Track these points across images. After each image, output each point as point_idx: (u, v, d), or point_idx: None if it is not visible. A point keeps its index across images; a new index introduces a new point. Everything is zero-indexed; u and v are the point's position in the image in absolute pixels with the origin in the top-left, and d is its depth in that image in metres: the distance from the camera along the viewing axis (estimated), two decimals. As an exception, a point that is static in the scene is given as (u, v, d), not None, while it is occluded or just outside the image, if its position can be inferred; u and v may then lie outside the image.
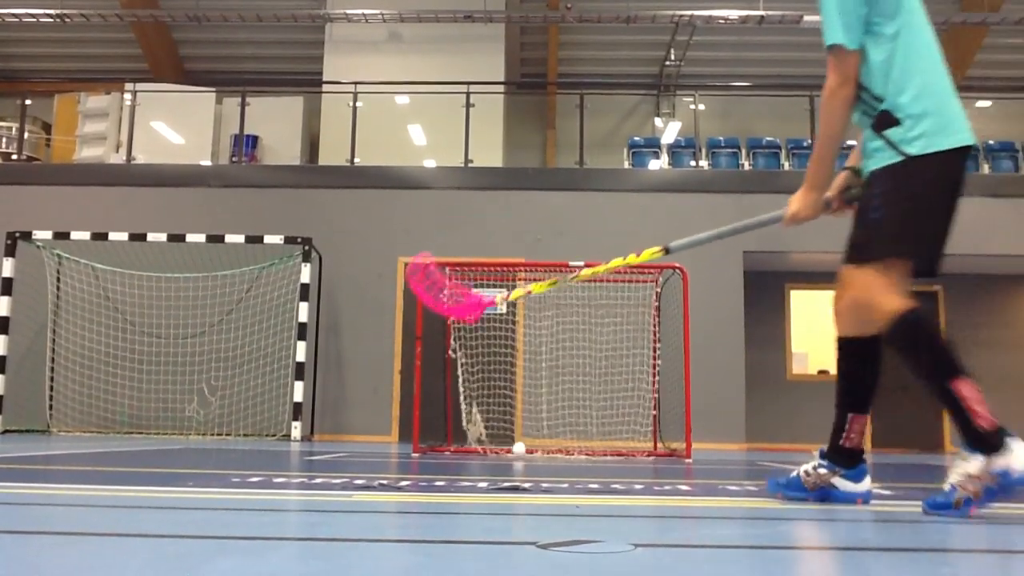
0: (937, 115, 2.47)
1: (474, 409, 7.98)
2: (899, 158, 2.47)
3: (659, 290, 8.15)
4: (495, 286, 9.93)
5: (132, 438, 8.90)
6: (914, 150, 2.45)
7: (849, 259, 2.59)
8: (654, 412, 8.15)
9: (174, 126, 12.85)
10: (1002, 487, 2.31)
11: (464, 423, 7.72)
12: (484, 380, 8.81)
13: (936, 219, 2.49)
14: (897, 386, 12.68)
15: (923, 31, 2.59)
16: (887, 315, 2.47)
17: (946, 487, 2.43)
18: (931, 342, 2.42)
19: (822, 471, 2.77)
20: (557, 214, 10.63)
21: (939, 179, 2.47)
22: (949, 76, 2.57)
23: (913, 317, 2.44)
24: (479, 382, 8.76)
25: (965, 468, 2.37)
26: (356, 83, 11.76)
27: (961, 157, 2.48)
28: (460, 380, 7.71)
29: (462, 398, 7.78)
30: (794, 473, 2.86)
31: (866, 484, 2.78)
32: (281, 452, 6.41)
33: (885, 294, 2.47)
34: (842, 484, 2.76)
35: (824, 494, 2.77)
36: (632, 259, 2.84)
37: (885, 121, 2.51)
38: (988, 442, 2.32)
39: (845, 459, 2.74)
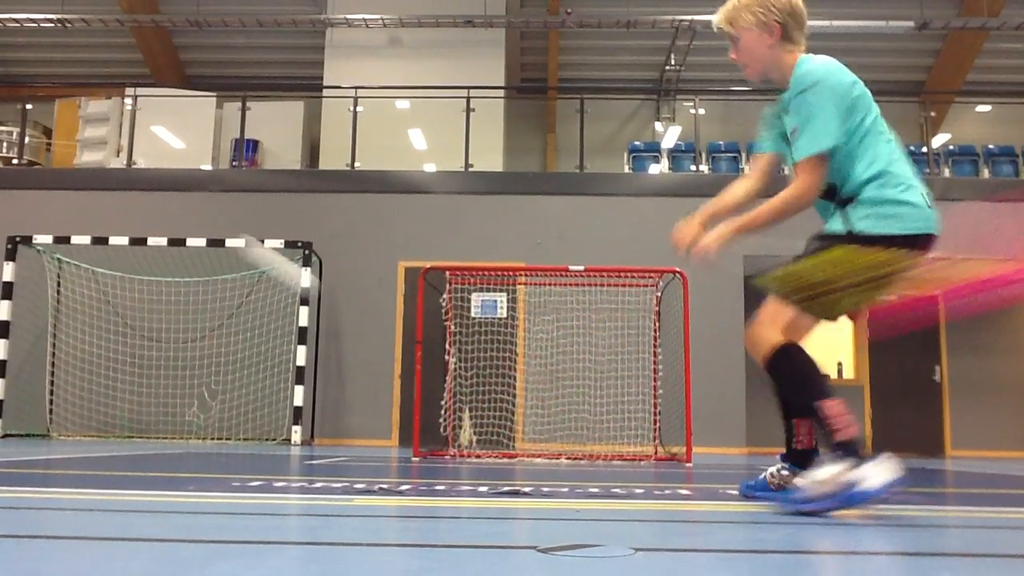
0: (891, 204, 2.66)
1: (465, 414, 7.96)
2: (844, 230, 2.69)
3: (659, 294, 8.15)
4: (495, 290, 9.95)
5: (132, 442, 8.90)
6: (859, 228, 2.67)
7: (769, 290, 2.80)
8: (655, 416, 8.15)
9: (175, 130, 12.86)
10: (851, 497, 2.48)
11: (447, 428, 7.66)
12: (483, 384, 8.81)
13: (849, 295, 2.68)
14: (896, 391, 12.69)
15: (880, 124, 2.76)
16: (766, 347, 2.71)
17: (797, 482, 2.68)
18: (801, 370, 2.68)
19: (784, 473, 2.99)
20: (557, 218, 10.64)
21: (875, 260, 2.64)
22: (907, 164, 2.74)
23: (787, 350, 2.68)
24: (477, 386, 8.75)
25: (817, 473, 2.58)
26: (356, 88, 11.77)
27: (909, 243, 2.64)
28: (447, 385, 7.68)
29: (451, 402, 7.73)
30: (762, 476, 3.09)
31: None
32: (281, 456, 6.41)
33: (766, 329, 2.72)
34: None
35: (787, 493, 2.93)
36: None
37: (845, 199, 2.71)
38: (849, 454, 2.52)
39: (802, 460, 2.92)
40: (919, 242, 2.67)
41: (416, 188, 10.87)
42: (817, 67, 2.71)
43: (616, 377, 9.27)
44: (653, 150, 12.99)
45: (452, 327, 7.83)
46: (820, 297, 2.69)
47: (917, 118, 14.80)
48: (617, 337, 9.33)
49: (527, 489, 3.54)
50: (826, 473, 2.53)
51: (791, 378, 2.73)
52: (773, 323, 2.73)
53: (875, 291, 2.70)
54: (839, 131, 2.66)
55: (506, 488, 3.57)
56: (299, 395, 9.43)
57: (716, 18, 2.92)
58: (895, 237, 2.65)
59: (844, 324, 12.25)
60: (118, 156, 12.50)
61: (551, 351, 9.77)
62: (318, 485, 3.52)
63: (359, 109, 11.51)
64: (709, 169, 12.36)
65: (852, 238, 2.66)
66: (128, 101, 12.20)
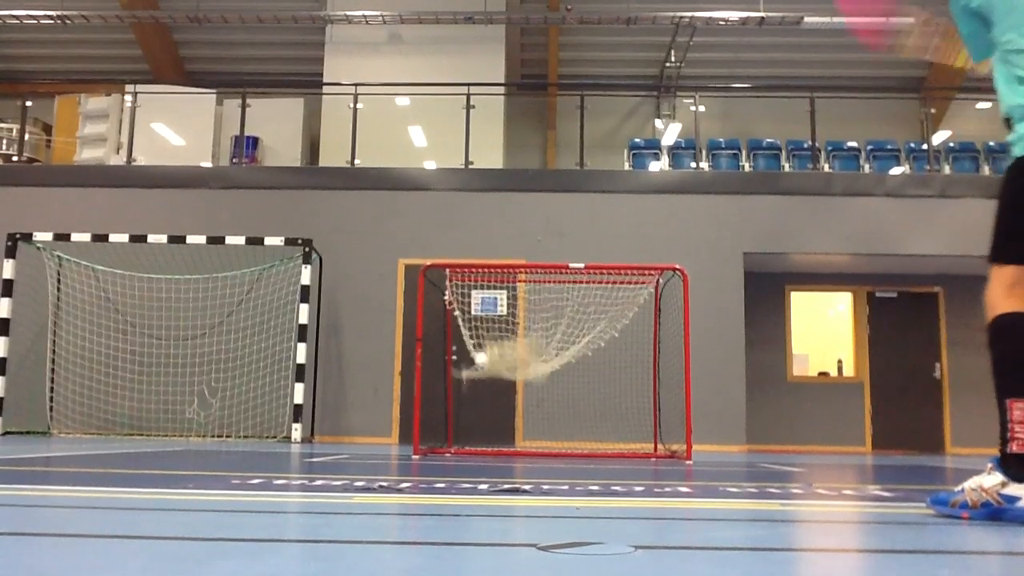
0: None
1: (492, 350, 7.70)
2: (1012, 160, 2.42)
3: (660, 291, 8.15)
4: (496, 287, 9.94)
5: (132, 440, 8.90)
6: (1018, 150, 2.38)
7: None
8: (655, 413, 8.14)
9: (174, 127, 12.85)
10: (1004, 511, 2.31)
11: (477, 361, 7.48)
12: (481, 382, 8.80)
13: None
14: (896, 387, 12.67)
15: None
16: (990, 315, 2.44)
17: (956, 488, 2.44)
18: (1010, 352, 2.37)
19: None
20: (557, 215, 10.63)
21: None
22: None
23: (1002, 322, 2.39)
24: (476, 384, 8.74)
25: (980, 479, 2.37)
26: (356, 84, 11.76)
27: None
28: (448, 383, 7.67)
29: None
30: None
31: None
32: (281, 454, 6.41)
33: (993, 293, 2.44)
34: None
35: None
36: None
37: (1008, 125, 2.46)
38: (1012, 467, 2.31)
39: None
40: None
41: (416, 185, 10.86)
42: None
43: (616, 374, 9.27)
44: (653, 147, 12.99)
45: (458, 315, 7.81)
46: (1006, 242, 2.40)
47: (918, 115, 14.80)
48: (617, 334, 9.32)
49: (527, 487, 3.54)
50: (989, 481, 2.33)
51: (997, 357, 2.37)
52: (997, 285, 2.39)
53: None
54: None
55: (506, 486, 3.56)
56: (299, 392, 9.43)
57: None
58: None
59: (844, 321, 12.26)
60: (118, 153, 12.49)
61: (550, 348, 9.76)
62: (318, 483, 3.52)
63: (359, 106, 11.49)
64: (709, 166, 12.35)
65: (1015, 164, 2.38)
66: (128, 98, 12.19)
